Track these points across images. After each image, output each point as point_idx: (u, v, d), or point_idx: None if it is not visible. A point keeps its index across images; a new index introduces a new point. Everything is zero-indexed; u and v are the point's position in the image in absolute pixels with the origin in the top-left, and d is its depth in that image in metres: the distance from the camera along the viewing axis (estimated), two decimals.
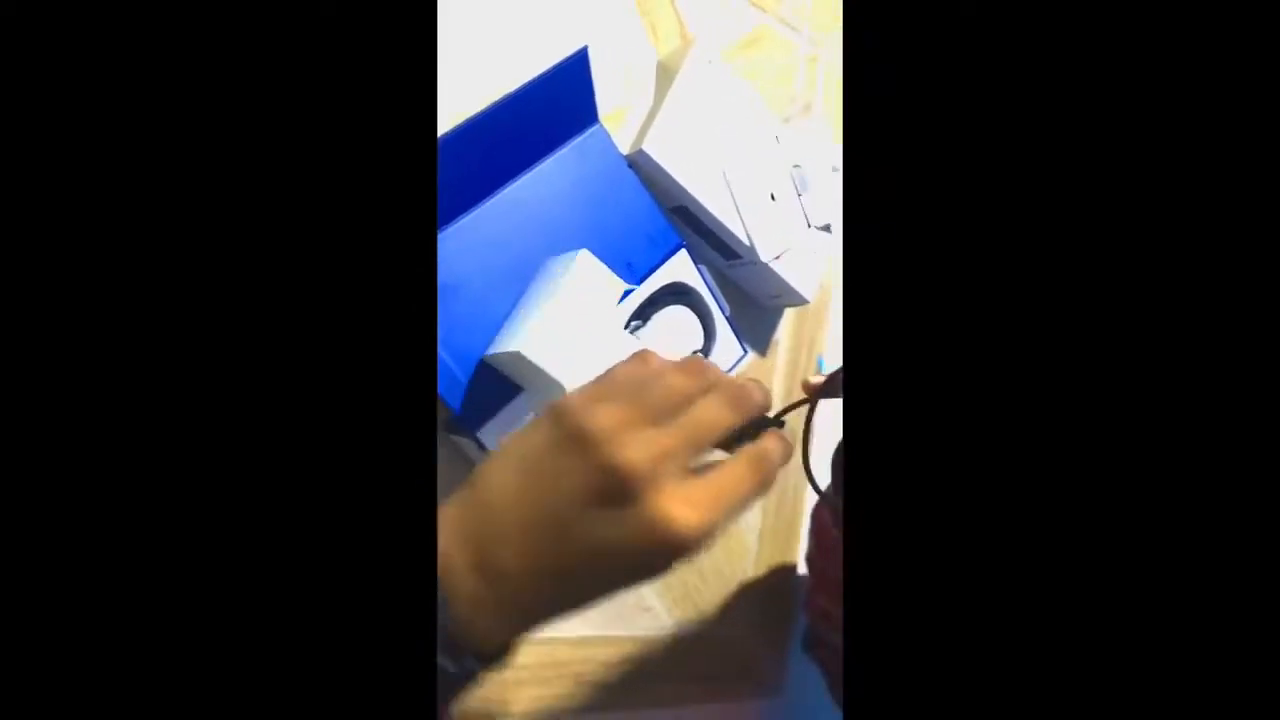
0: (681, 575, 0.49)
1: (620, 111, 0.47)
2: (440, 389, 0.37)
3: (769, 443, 0.25)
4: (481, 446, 0.39)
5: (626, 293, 0.41)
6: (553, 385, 0.37)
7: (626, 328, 0.43)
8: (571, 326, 0.36)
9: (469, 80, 0.41)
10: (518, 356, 0.36)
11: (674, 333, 0.45)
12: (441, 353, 0.37)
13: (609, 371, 0.26)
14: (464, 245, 0.38)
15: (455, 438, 0.40)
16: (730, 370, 0.48)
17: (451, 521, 0.24)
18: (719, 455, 0.26)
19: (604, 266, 0.39)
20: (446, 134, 0.35)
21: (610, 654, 0.46)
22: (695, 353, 0.46)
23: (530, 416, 0.40)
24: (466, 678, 0.24)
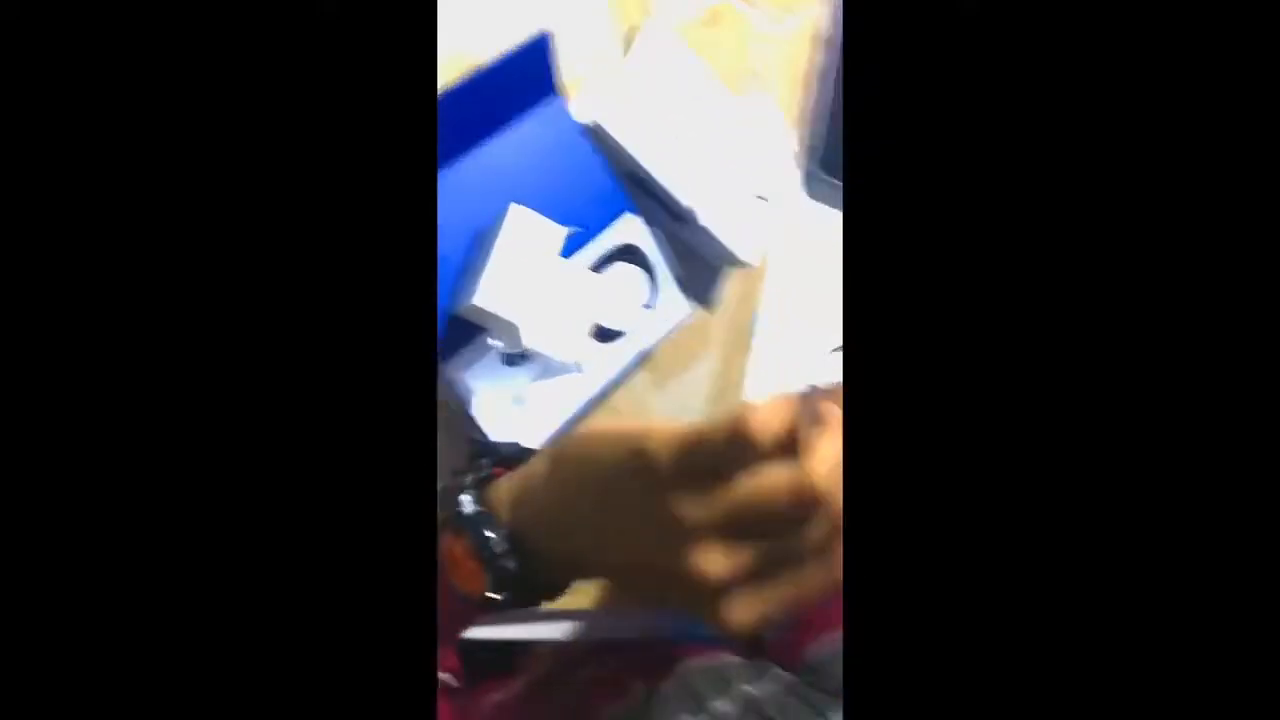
0: None
1: (581, 81, 0.51)
2: None
3: None
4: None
5: (570, 237, 0.47)
6: (509, 327, 0.43)
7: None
8: (517, 273, 0.42)
9: (446, 52, 0.45)
10: (475, 309, 0.41)
11: (623, 289, 0.51)
12: None
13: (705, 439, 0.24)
14: None
15: None
16: (675, 327, 0.54)
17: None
18: None
19: (538, 215, 0.44)
20: None
21: None
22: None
23: (491, 353, 0.46)
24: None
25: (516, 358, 0.47)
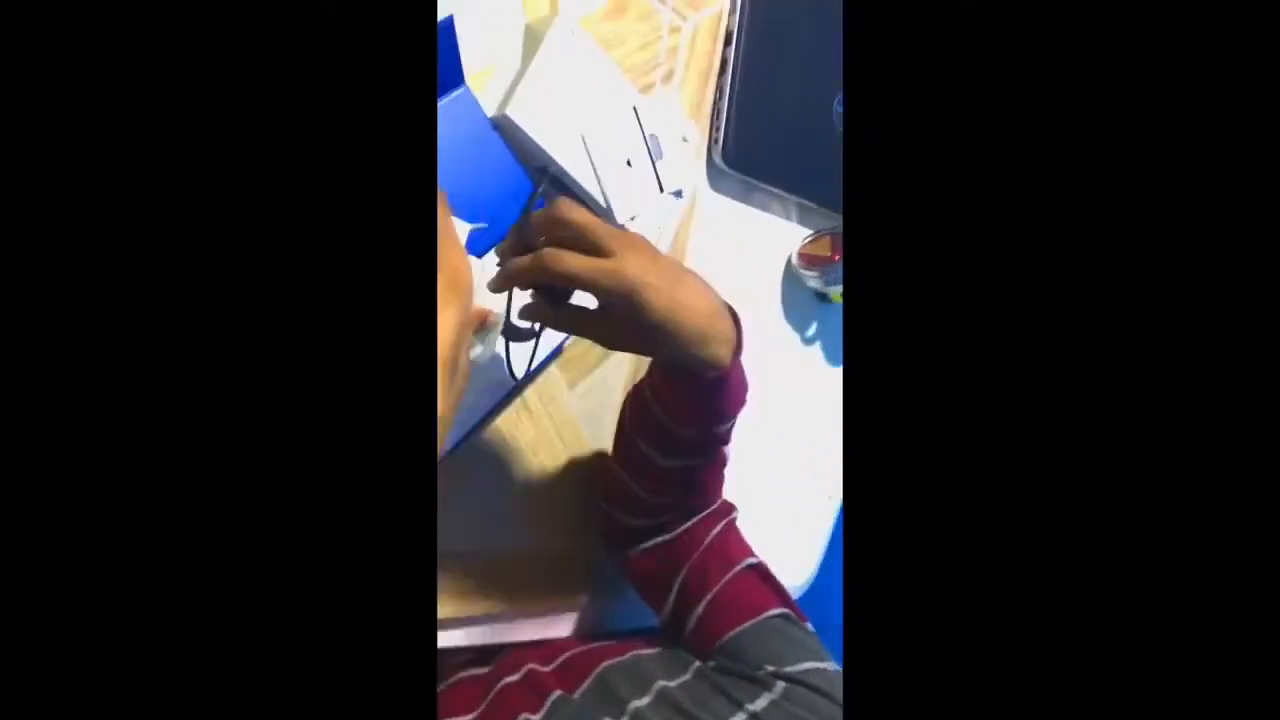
0: (532, 491, 0.55)
1: (487, 71, 0.49)
2: None
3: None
4: None
5: (479, 233, 0.45)
6: None
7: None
8: None
9: None
10: None
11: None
12: None
13: None
14: None
15: None
16: None
17: None
18: None
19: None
20: None
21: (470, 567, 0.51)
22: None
23: None
24: None
25: (528, 332, 0.45)
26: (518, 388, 0.50)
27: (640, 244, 0.38)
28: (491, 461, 0.52)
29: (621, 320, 0.37)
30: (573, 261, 0.36)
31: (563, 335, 0.52)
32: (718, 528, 0.49)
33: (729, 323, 0.40)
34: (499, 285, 0.39)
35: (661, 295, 0.36)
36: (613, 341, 0.41)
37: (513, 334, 0.49)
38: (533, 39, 0.50)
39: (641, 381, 0.49)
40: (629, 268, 0.36)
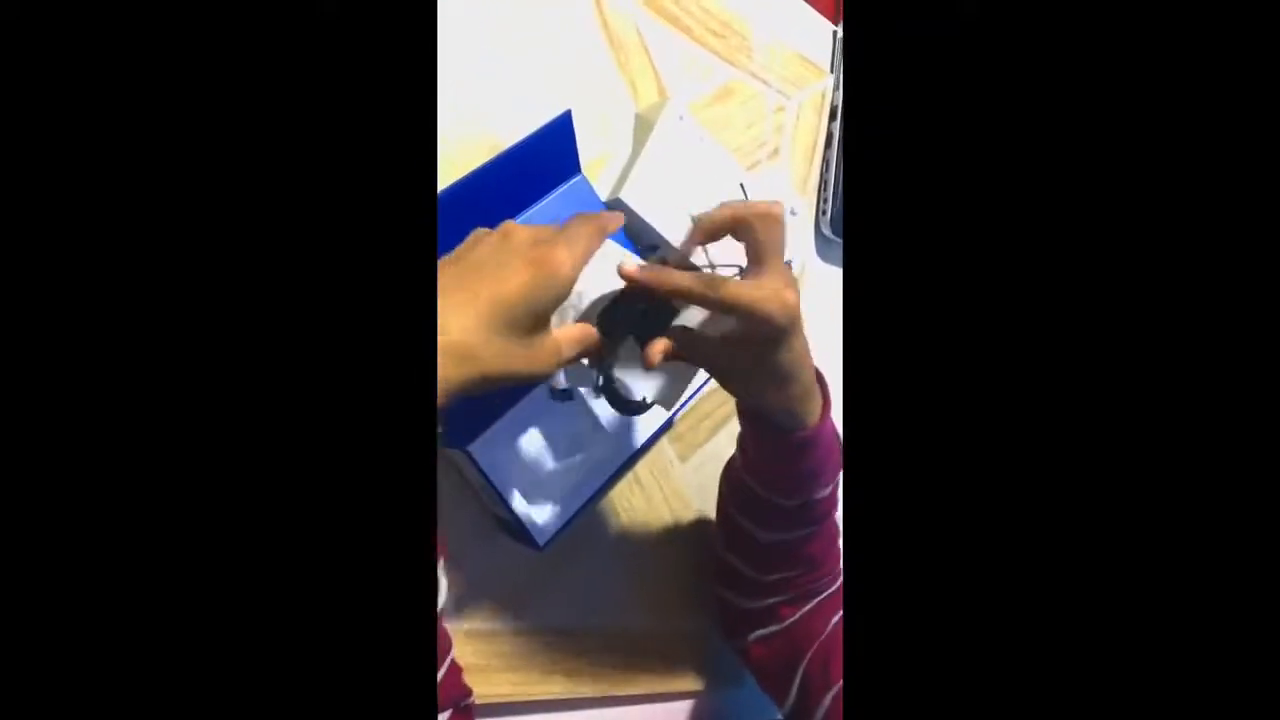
0: (656, 573, 0.54)
1: (602, 159, 0.52)
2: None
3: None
4: (473, 461, 0.44)
5: None
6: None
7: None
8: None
9: (471, 134, 0.46)
10: None
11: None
12: None
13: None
14: None
15: (449, 450, 0.45)
16: (694, 395, 0.53)
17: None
18: None
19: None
20: (447, 187, 0.40)
21: (577, 646, 0.51)
22: None
23: (526, 432, 0.45)
24: None
25: (562, 394, 0.47)
26: (630, 461, 0.51)
27: (792, 279, 0.37)
28: (601, 537, 0.52)
29: (752, 354, 0.36)
30: (742, 290, 0.34)
31: (674, 410, 0.52)
32: (838, 615, 0.47)
33: (817, 385, 0.41)
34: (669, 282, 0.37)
35: (801, 338, 0.37)
36: (730, 377, 0.39)
37: (623, 407, 0.49)
38: (643, 127, 0.53)
39: (732, 462, 0.49)
40: (793, 297, 0.35)
